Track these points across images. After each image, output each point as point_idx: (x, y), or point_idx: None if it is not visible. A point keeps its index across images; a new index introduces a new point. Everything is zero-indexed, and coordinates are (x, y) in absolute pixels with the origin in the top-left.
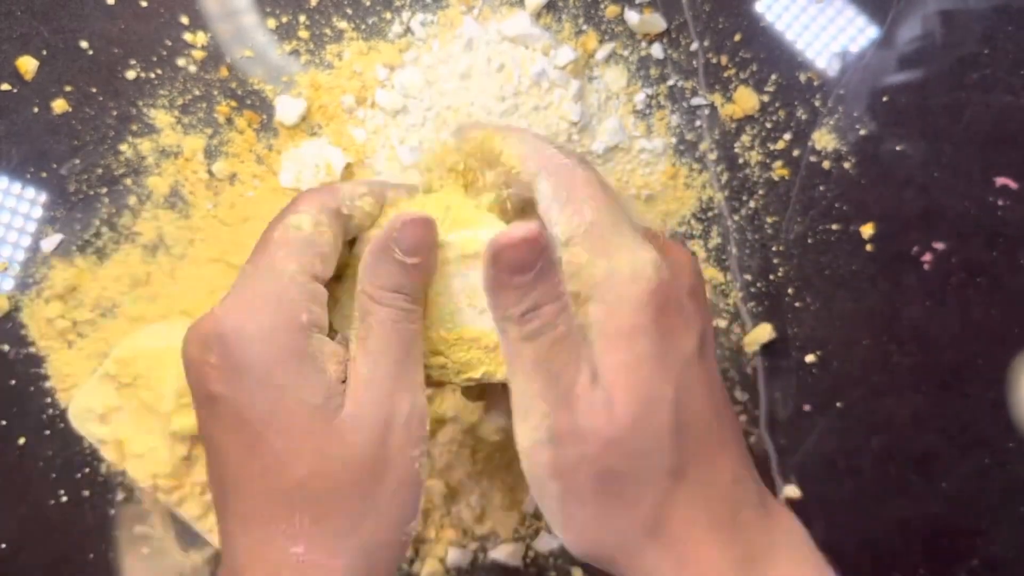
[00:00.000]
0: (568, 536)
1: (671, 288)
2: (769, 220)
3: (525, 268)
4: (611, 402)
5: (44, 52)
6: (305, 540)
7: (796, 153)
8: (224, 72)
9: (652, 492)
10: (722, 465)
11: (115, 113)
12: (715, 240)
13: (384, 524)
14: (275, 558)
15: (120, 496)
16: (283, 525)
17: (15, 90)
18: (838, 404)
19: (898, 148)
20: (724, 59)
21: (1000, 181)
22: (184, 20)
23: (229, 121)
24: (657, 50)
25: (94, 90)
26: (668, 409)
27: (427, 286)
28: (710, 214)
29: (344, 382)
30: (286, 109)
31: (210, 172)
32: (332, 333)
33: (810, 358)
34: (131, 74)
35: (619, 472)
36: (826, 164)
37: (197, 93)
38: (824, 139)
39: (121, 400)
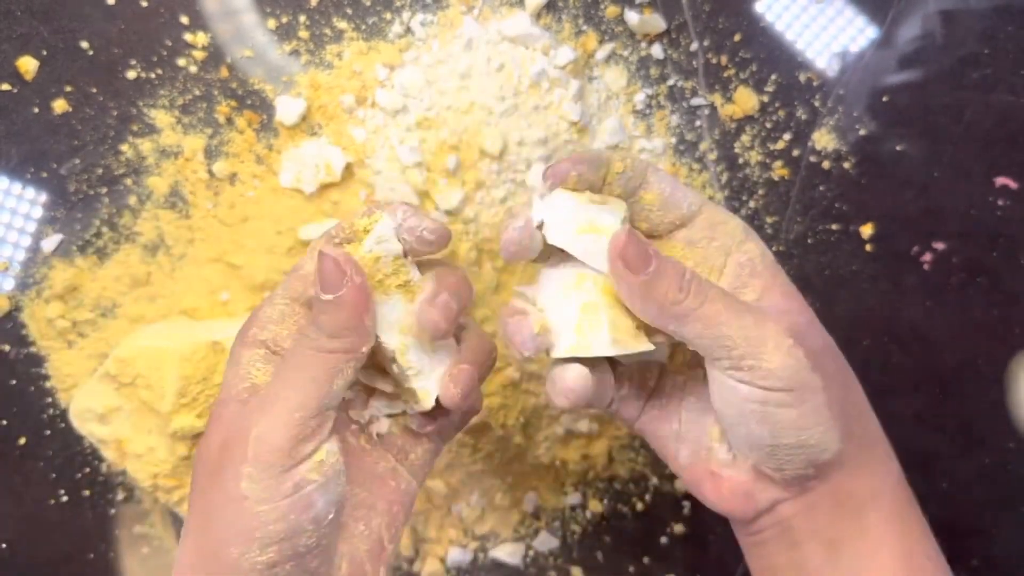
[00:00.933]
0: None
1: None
2: (769, 220)
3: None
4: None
5: (44, 52)
6: None
7: (796, 153)
8: (224, 72)
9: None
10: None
11: (115, 113)
12: None
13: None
14: None
15: (120, 496)
16: None
17: (15, 90)
18: None
19: (898, 148)
20: (724, 59)
21: (1000, 181)
22: (184, 20)
23: (229, 121)
24: (657, 50)
25: (94, 90)
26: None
27: (355, 322)
28: None
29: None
30: (286, 109)
31: (210, 172)
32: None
33: None
34: (131, 74)
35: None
36: (826, 164)
37: (197, 93)
38: (824, 139)
39: (121, 400)
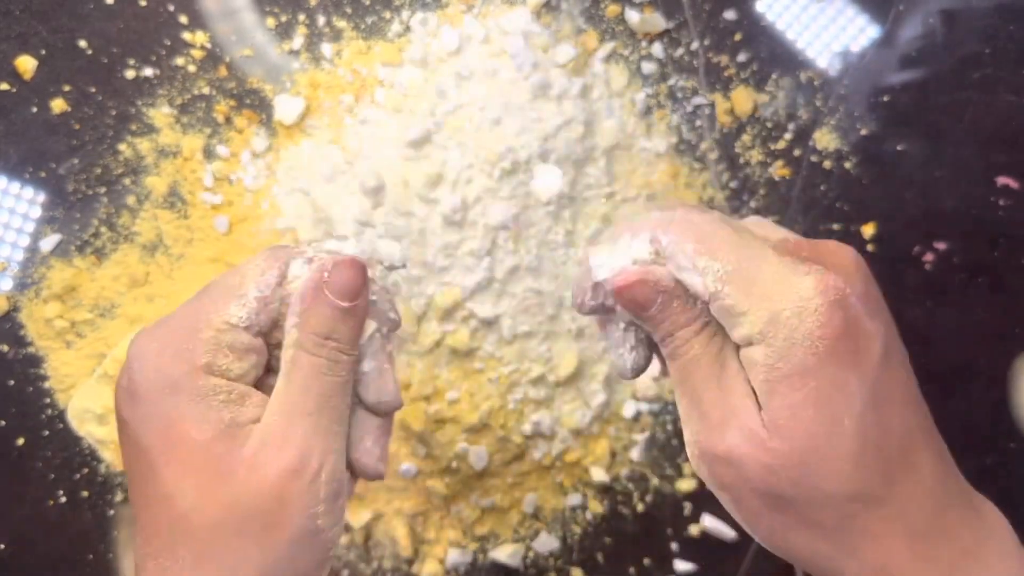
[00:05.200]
0: (757, 538)
1: (845, 308)
2: (770, 220)
3: (646, 305)
4: (770, 437)
5: (43, 52)
6: None
7: (797, 153)
8: (223, 71)
9: (835, 515)
10: (922, 474)
11: (114, 113)
12: None
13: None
14: None
15: (119, 497)
16: (167, 559)
17: (14, 90)
18: None
19: (899, 148)
20: (724, 59)
21: (1001, 181)
22: (183, 19)
23: (228, 120)
24: (657, 49)
25: (93, 90)
26: (849, 436)
27: (359, 334)
28: None
29: (252, 424)
30: (285, 108)
31: (209, 171)
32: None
33: None
34: (130, 73)
35: (789, 496)
36: (827, 164)
37: (196, 92)
38: (825, 139)
39: None
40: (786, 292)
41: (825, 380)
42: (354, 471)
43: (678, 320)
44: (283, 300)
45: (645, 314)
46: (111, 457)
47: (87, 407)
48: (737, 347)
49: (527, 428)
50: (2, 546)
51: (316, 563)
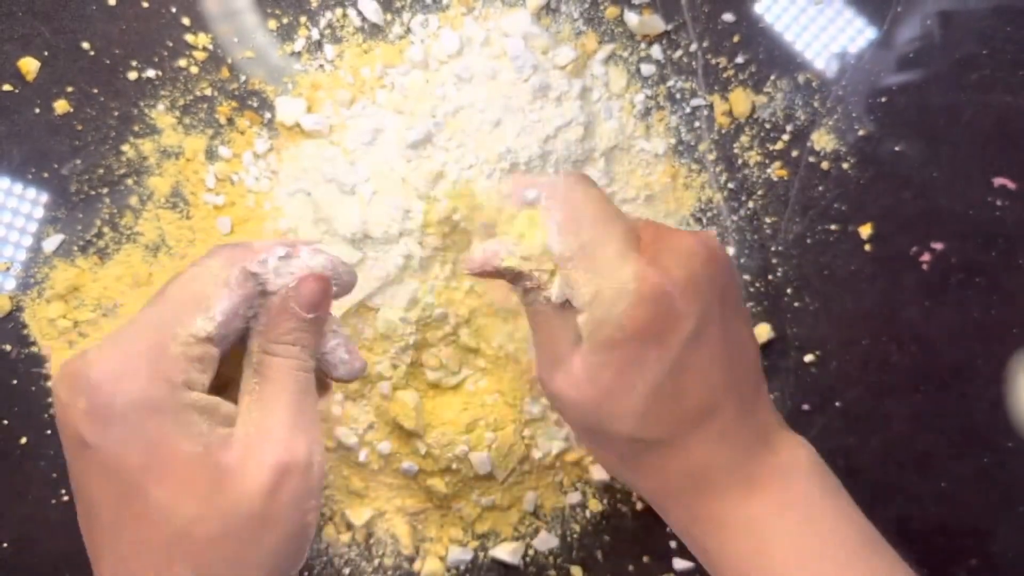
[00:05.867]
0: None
1: (655, 296)
2: (768, 220)
3: (500, 278)
4: (581, 382)
5: (46, 53)
6: None
7: (795, 153)
8: (225, 73)
9: (625, 449)
10: (715, 429)
11: (116, 114)
12: None
13: (266, 573)
14: None
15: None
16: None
17: (17, 91)
18: (837, 404)
19: (897, 149)
20: (723, 60)
21: (999, 181)
22: (185, 21)
23: (230, 121)
24: (656, 51)
25: (95, 91)
26: (637, 399)
27: (321, 336)
28: (709, 215)
29: (230, 431)
30: (286, 109)
31: (211, 172)
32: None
33: (809, 358)
34: (132, 75)
35: (594, 430)
36: (825, 164)
37: (198, 94)
38: (823, 139)
39: None
40: (612, 274)
41: (625, 353)
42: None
43: (527, 284)
44: (248, 310)
45: (511, 284)
46: None
47: None
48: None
49: (527, 431)
50: (4, 545)
51: (302, 554)
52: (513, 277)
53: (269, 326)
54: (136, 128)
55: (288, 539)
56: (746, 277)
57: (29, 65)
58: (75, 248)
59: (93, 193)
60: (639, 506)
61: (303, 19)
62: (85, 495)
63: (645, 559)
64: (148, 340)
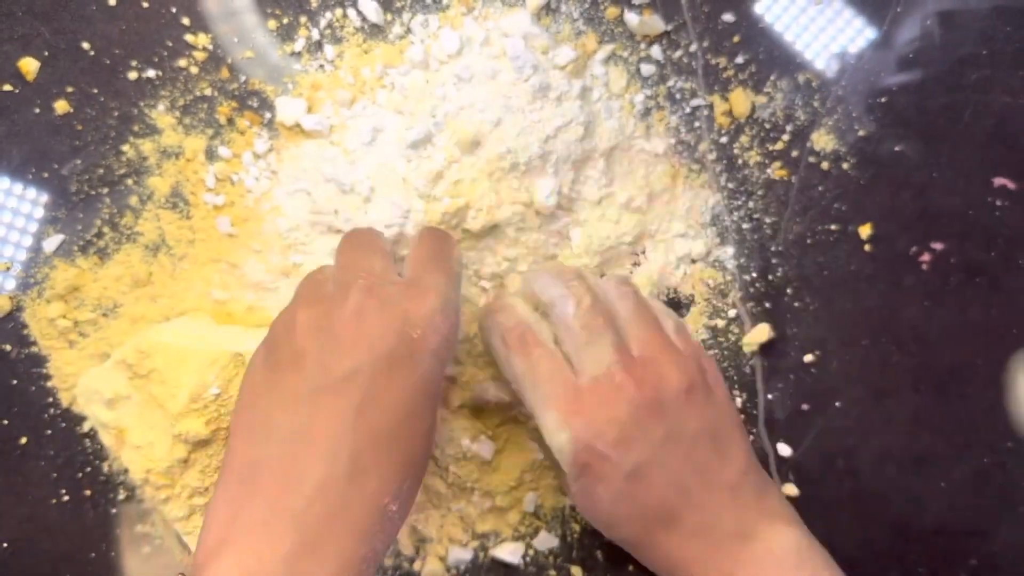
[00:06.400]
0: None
1: (588, 455)
2: (768, 220)
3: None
4: (574, 498)
5: (46, 53)
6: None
7: (795, 154)
8: (225, 73)
9: (618, 538)
10: (680, 526)
11: (116, 114)
12: (714, 240)
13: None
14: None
15: (121, 495)
16: (390, 483)
17: (17, 91)
18: (837, 404)
19: (897, 149)
20: (723, 60)
21: (999, 182)
22: (185, 21)
23: (230, 122)
24: (656, 51)
25: (95, 91)
26: (603, 515)
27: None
28: (709, 215)
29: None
30: (286, 109)
31: (211, 172)
32: None
33: (809, 358)
34: (132, 75)
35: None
36: (825, 165)
37: (198, 94)
38: (823, 140)
39: (132, 390)
40: (552, 438)
41: (580, 487)
42: None
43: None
44: None
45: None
46: (109, 442)
47: (98, 389)
48: None
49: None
50: (4, 545)
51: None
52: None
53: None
54: (136, 128)
55: (425, 380)
56: (746, 277)
57: (29, 65)
58: (75, 248)
59: (93, 193)
60: None
61: (303, 19)
62: (400, 395)
63: None
64: (455, 317)
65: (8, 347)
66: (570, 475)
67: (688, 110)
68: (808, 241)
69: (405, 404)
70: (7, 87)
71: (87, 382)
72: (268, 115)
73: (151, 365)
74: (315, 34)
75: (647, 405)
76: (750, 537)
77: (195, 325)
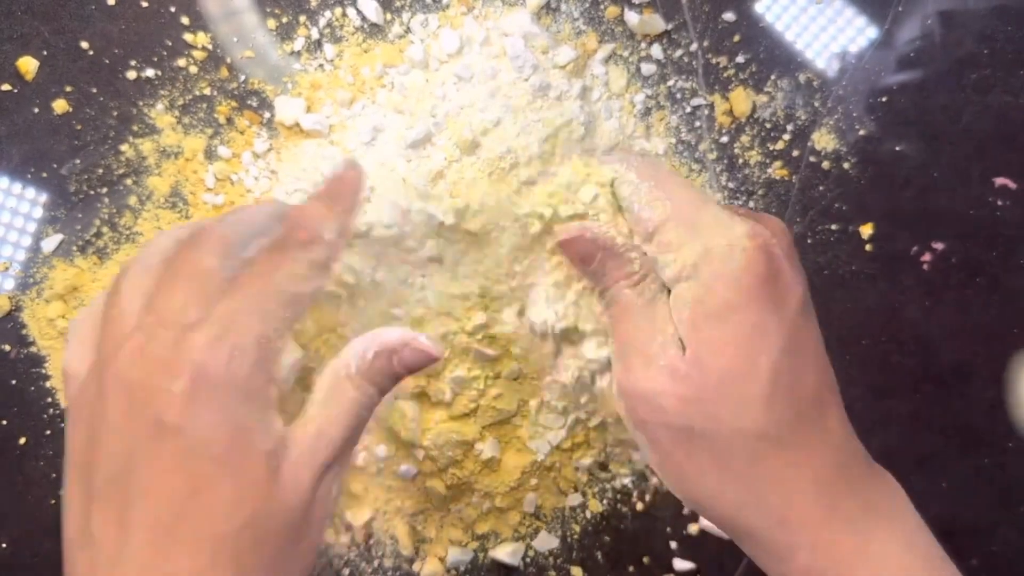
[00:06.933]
0: (668, 483)
1: (770, 255)
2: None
3: (588, 258)
4: (689, 370)
5: (45, 52)
6: None
7: (796, 153)
8: (224, 72)
9: (744, 454)
10: (830, 427)
11: (116, 113)
12: None
13: None
14: None
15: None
16: (207, 570)
17: (16, 90)
18: None
19: (897, 148)
20: (723, 60)
21: (999, 181)
22: (184, 21)
23: (229, 121)
24: (657, 51)
25: (95, 90)
26: (764, 375)
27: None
28: None
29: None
30: (285, 109)
31: (211, 172)
32: None
33: None
34: (132, 74)
35: (702, 431)
36: (825, 164)
37: (197, 93)
38: (823, 139)
39: None
40: (720, 233)
41: (746, 319)
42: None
43: (615, 274)
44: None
45: (587, 268)
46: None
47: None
48: (668, 295)
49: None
50: (3, 545)
51: (313, 563)
52: (602, 259)
53: (369, 367)
54: (135, 128)
55: (314, 549)
56: None
57: (28, 65)
58: (74, 248)
59: (92, 193)
60: (639, 507)
61: (303, 19)
62: (144, 486)
63: (645, 560)
64: (256, 330)
65: (7, 347)
66: (738, 292)
67: (688, 110)
68: (809, 241)
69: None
70: (6, 87)
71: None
72: (267, 115)
73: None
74: (315, 33)
75: (793, 244)
76: (876, 468)
77: None
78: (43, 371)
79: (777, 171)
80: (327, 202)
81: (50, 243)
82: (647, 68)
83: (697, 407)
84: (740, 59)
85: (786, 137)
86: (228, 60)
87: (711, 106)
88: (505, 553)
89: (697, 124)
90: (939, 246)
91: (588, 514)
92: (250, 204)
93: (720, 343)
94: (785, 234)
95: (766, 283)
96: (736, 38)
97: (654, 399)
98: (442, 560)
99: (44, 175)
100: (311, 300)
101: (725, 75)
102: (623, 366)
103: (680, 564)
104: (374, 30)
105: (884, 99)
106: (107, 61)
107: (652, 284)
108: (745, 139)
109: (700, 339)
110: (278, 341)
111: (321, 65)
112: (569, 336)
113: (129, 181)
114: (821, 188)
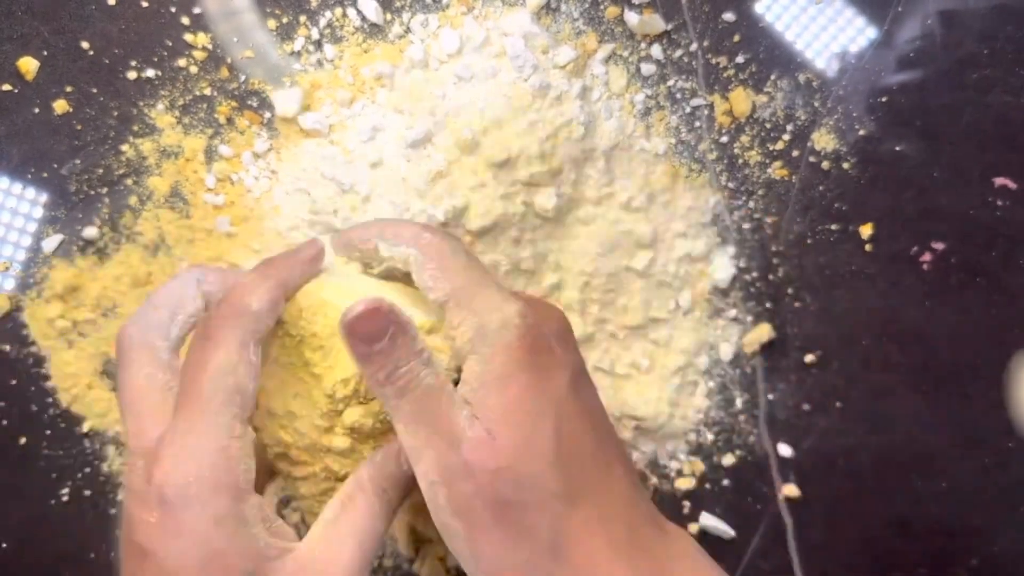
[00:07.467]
0: (482, 572)
1: (538, 333)
2: (768, 220)
3: (377, 336)
4: (493, 437)
5: (45, 52)
6: None
7: (795, 153)
8: (225, 72)
9: (547, 517)
10: (614, 489)
11: (116, 113)
12: (714, 240)
13: None
14: None
15: (121, 495)
16: None
17: (16, 90)
18: (838, 404)
19: (897, 148)
20: (723, 60)
21: (999, 181)
22: (185, 21)
23: (230, 121)
24: (657, 51)
25: (95, 90)
26: (548, 438)
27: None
28: (709, 215)
29: (287, 547)
30: (284, 102)
31: (211, 172)
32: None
33: (810, 358)
34: (132, 74)
35: (512, 501)
36: (825, 164)
37: (197, 93)
38: (823, 139)
39: (278, 350)
40: (494, 311)
41: (524, 385)
42: None
43: (405, 352)
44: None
45: (372, 349)
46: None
47: None
48: (457, 372)
49: None
50: (4, 545)
51: None
52: (393, 334)
53: (377, 462)
54: (135, 128)
55: None
56: (746, 277)
57: (28, 65)
58: (74, 248)
59: (92, 193)
60: None
61: (303, 19)
62: None
63: None
64: (210, 445)
65: (8, 347)
66: (512, 359)
67: (688, 110)
68: (808, 241)
69: None
70: (6, 87)
71: None
72: (268, 114)
73: (310, 328)
74: (315, 33)
75: (569, 330)
76: (662, 523)
77: (360, 284)
78: (43, 371)
79: (777, 171)
80: (261, 270)
81: (50, 243)
82: (647, 68)
83: (506, 476)
84: (740, 59)
85: (786, 137)
86: (228, 60)
87: (711, 106)
88: None
89: (697, 124)
90: (939, 246)
91: None
92: (166, 282)
93: (506, 412)
94: (558, 320)
95: (534, 354)
96: (736, 38)
97: (473, 473)
98: (442, 560)
99: (44, 175)
100: (254, 383)
101: (725, 75)
102: (435, 452)
103: None
104: (374, 30)
105: (884, 99)
106: (107, 61)
107: (441, 363)
108: (745, 139)
109: (488, 409)
110: (236, 443)
111: (321, 65)
112: None
113: (129, 181)
114: (821, 188)
